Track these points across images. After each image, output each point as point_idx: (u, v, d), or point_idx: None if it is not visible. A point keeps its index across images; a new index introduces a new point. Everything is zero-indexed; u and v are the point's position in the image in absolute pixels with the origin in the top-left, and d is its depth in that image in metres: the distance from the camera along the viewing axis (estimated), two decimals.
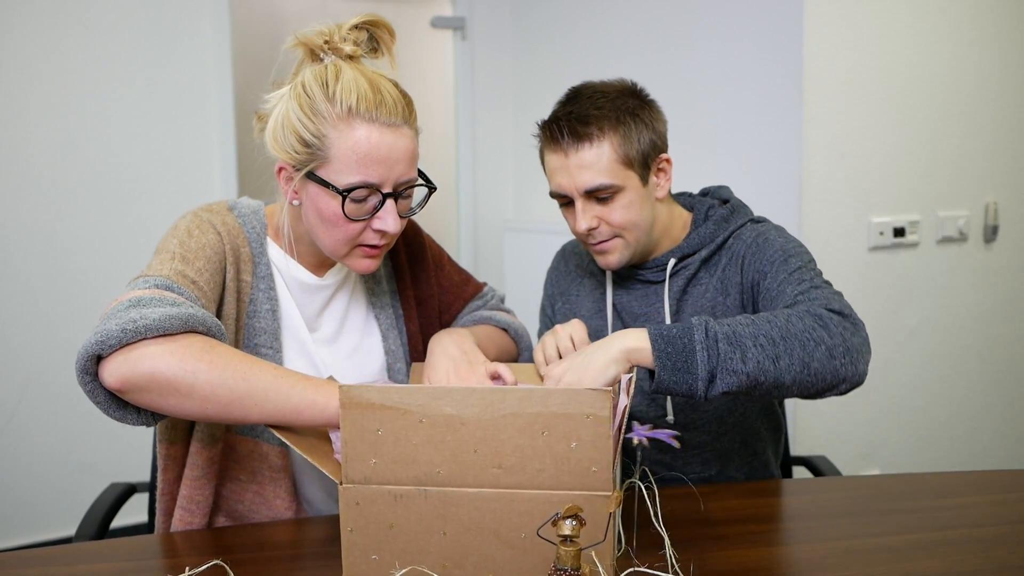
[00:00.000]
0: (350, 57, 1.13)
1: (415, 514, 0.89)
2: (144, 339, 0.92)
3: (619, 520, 0.95)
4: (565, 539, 0.73)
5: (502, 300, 1.49)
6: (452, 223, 3.68)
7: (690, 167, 2.56)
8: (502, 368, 1.19)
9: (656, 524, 0.92)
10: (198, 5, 2.94)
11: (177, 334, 0.95)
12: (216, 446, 1.14)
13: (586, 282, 1.50)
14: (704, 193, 1.47)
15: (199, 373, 0.93)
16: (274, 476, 1.17)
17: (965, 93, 2.58)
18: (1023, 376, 2.82)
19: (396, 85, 1.12)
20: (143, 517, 1.47)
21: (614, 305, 1.44)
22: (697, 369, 1.01)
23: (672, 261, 1.37)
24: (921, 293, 2.59)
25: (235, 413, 0.96)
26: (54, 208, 2.77)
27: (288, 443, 0.96)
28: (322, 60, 1.13)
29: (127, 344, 0.92)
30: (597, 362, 1.03)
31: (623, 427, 0.94)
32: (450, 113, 3.64)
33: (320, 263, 1.23)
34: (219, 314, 1.12)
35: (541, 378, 1.22)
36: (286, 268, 1.21)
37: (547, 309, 1.57)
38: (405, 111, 1.10)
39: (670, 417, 1.36)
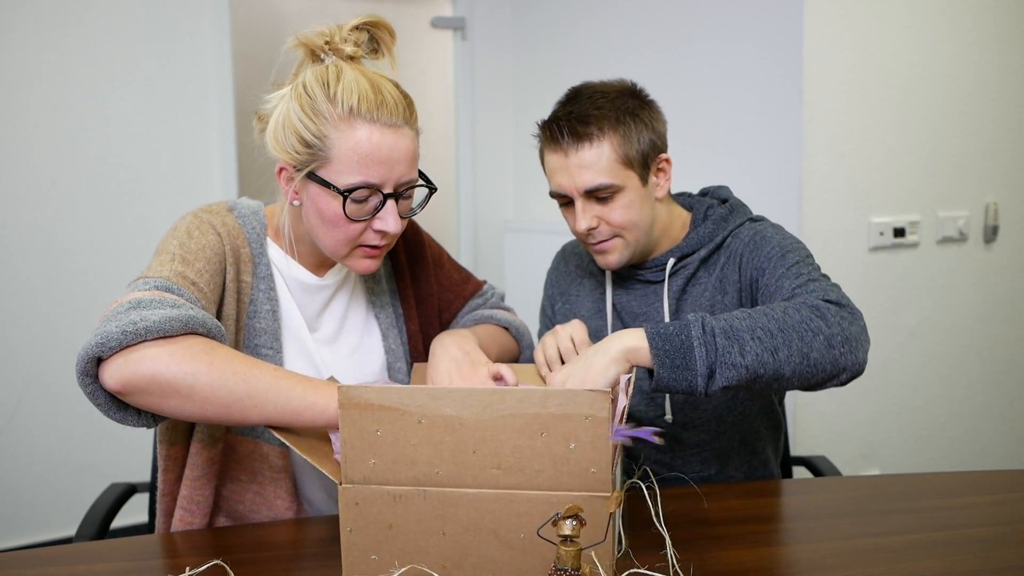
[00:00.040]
0: (351, 58, 1.13)
1: (414, 514, 0.89)
2: (144, 341, 0.92)
3: (620, 520, 0.95)
4: (565, 539, 0.73)
5: (502, 298, 1.49)
6: (452, 223, 3.68)
7: (690, 167, 2.56)
8: (504, 369, 1.19)
9: (657, 525, 0.92)
10: (198, 5, 2.94)
11: (177, 336, 0.95)
12: (216, 447, 1.15)
13: (586, 282, 1.50)
14: (703, 193, 1.47)
15: (199, 375, 0.93)
16: (274, 476, 1.17)
17: (965, 93, 2.58)
18: (1023, 376, 2.82)
19: (397, 86, 1.12)
20: (143, 517, 1.47)
21: (614, 305, 1.44)
22: (696, 365, 1.01)
23: (671, 261, 1.37)
24: (921, 293, 2.59)
25: (235, 415, 0.96)
26: (54, 208, 2.77)
27: (288, 444, 0.96)
28: (323, 61, 1.13)
29: (127, 346, 0.92)
30: (597, 364, 1.03)
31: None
32: (450, 113, 3.64)
33: (320, 263, 1.23)
34: (219, 315, 1.12)
35: (542, 379, 1.22)
36: (286, 268, 1.21)
37: (547, 309, 1.57)
38: (406, 112, 1.10)
39: (668, 416, 1.36)
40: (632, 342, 1.04)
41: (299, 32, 1.13)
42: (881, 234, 2.48)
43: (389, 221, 1.10)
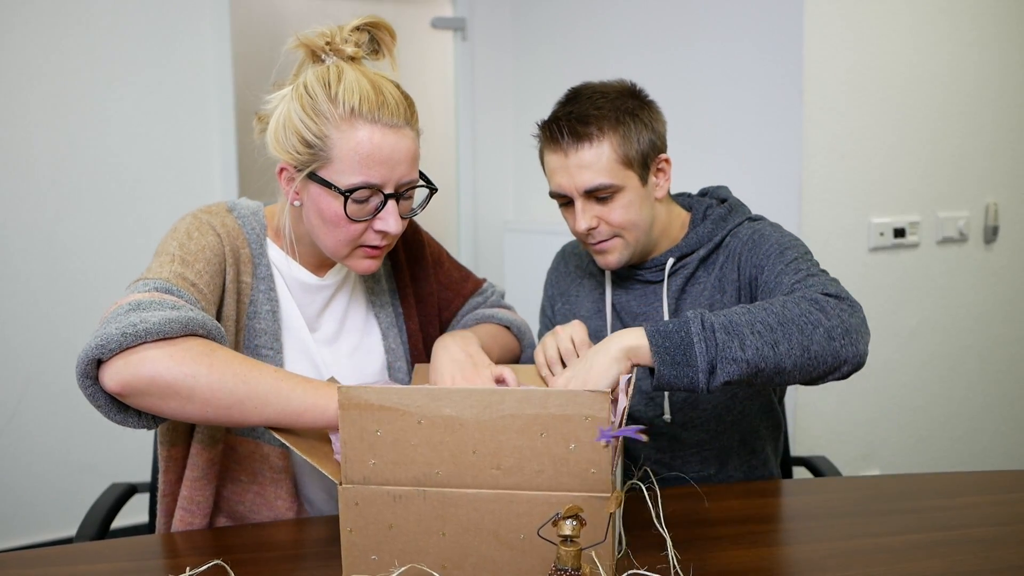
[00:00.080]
0: (351, 58, 1.13)
1: (414, 514, 0.89)
2: (144, 343, 0.92)
3: (620, 521, 0.95)
4: (565, 539, 0.73)
5: (502, 296, 1.48)
6: (452, 224, 3.68)
7: (690, 167, 2.56)
8: (506, 372, 1.19)
9: (658, 525, 0.92)
10: (198, 5, 2.94)
11: (177, 338, 0.95)
12: (216, 447, 1.15)
13: (585, 283, 1.50)
14: (703, 193, 1.47)
15: (199, 377, 0.93)
16: (275, 477, 1.17)
17: (965, 93, 2.58)
18: (1023, 376, 2.82)
19: (398, 86, 1.12)
20: (144, 517, 1.47)
21: (613, 305, 1.44)
22: (697, 361, 1.01)
23: (671, 261, 1.37)
24: (921, 294, 2.59)
25: (235, 416, 0.96)
26: (54, 208, 2.77)
27: (288, 444, 0.96)
28: (323, 61, 1.13)
29: (127, 348, 0.92)
30: (599, 364, 1.03)
31: (618, 428, 0.94)
32: (450, 113, 3.64)
33: (320, 263, 1.23)
34: (219, 316, 1.12)
35: (543, 380, 1.22)
36: (286, 269, 1.21)
37: (547, 310, 1.57)
38: (407, 112, 1.10)
39: (668, 416, 1.36)
40: (632, 341, 1.04)
41: (300, 33, 1.13)
42: (881, 234, 2.48)
43: (390, 221, 1.10)
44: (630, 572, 0.90)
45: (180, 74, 2.93)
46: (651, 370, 1.04)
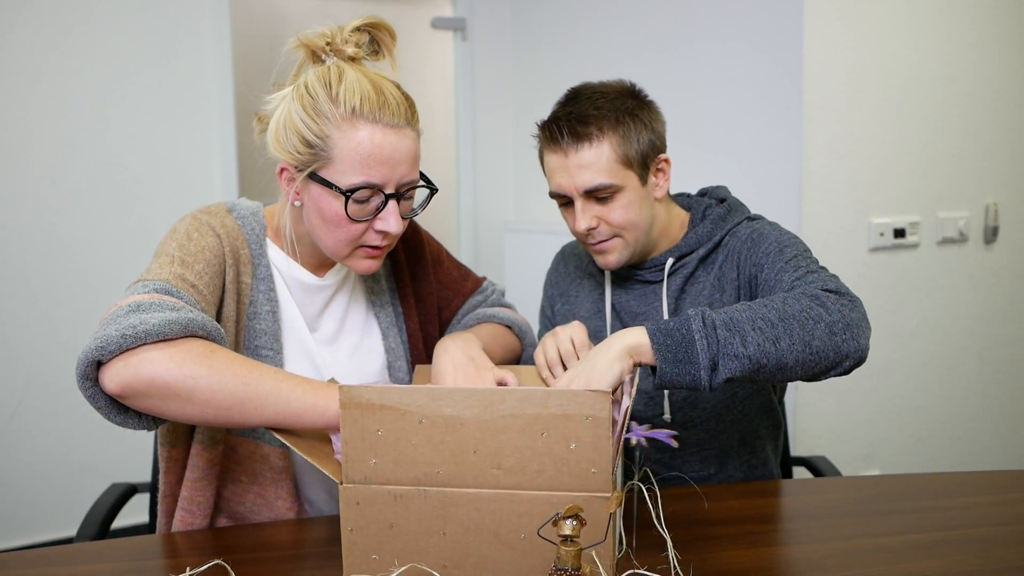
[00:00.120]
0: (352, 59, 1.13)
1: (415, 514, 0.90)
2: (144, 344, 0.92)
3: (620, 521, 0.95)
4: (566, 539, 0.73)
5: (502, 294, 1.48)
6: (452, 224, 3.68)
7: (690, 167, 2.56)
8: (508, 376, 1.18)
9: (658, 526, 0.92)
10: (198, 6, 2.94)
11: (177, 339, 0.95)
12: (217, 448, 1.15)
13: (585, 283, 1.50)
14: (702, 193, 1.47)
15: (199, 378, 0.93)
16: (275, 478, 1.17)
17: (965, 93, 2.59)
18: (1023, 377, 2.82)
19: (398, 87, 1.13)
20: (144, 518, 1.47)
21: (613, 305, 1.44)
22: (698, 358, 1.01)
23: (670, 260, 1.37)
24: (921, 294, 2.59)
25: (236, 417, 0.96)
26: (54, 208, 2.77)
27: (288, 444, 0.97)
28: (324, 62, 1.13)
29: (127, 349, 0.92)
30: (601, 363, 1.03)
31: (626, 428, 0.94)
32: (450, 114, 3.64)
33: (320, 263, 1.23)
34: (219, 317, 1.12)
35: (544, 381, 1.22)
36: (286, 269, 1.21)
37: (547, 310, 1.57)
38: (408, 113, 1.10)
39: (667, 416, 1.36)
40: (634, 339, 1.04)
41: (300, 33, 1.13)
42: (881, 235, 2.49)
43: (391, 221, 1.10)
44: (630, 572, 0.90)
45: (180, 74, 2.93)
46: (653, 369, 1.04)
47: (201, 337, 0.97)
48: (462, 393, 0.87)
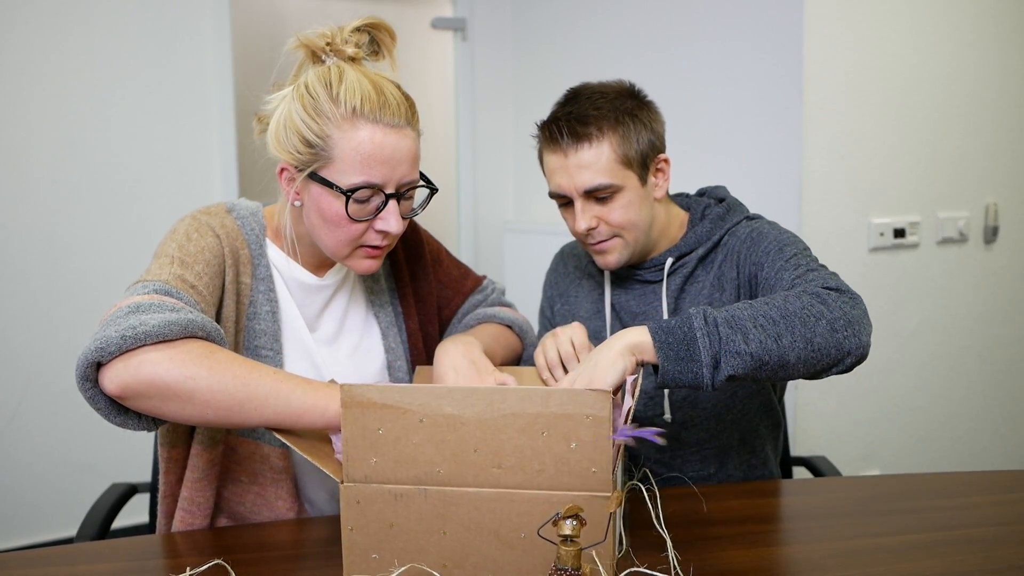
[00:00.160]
0: (352, 59, 1.14)
1: (415, 513, 0.90)
2: (144, 345, 0.92)
3: (620, 521, 0.95)
4: (566, 539, 0.73)
5: (503, 293, 1.48)
6: (452, 224, 3.68)
7: (690, 168, 2.56)
8: (509, 380, 1.18)
9: (658, 526, 0.92)
10: (199, 6, 2.94)
11: (177, 340, 0.95)
12: (217, 448, 1.15)
13: (584, 283, 1.50)
14: (700, 193, 1.48)
15: (199, 379, 0.93)
16: (275, 478, 1.17)
17: (965, 93, 2.59)
18: (1023, 377, 2.82)
19: (398, 87, 1.13)
20: (144, 518, 1.47)
21: (612, 305, 1.44)
22: (700, 356, 1.01)
23: (669, 260, 1.37)
24: (921, 294, 2.59)
25: (235, 418, 0.96)
26: (54, 208, 2.77)
27: (289, 444, 0.97)
28: (323, 62, 1.13)
29: (127, 351, 0.92)
30: (604, 360, 1.03)
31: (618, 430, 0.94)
32: (450, 114, 3.64)
33: (320, 263, 1.23)
34: (219, 317, 1.12)
35: (544, 382, 1.22)
36: (286, 269, 1.21)
37: (546, 311, 1.57)
38: (408, 113, 1.10)
39: (668, 415, 1.36)
40: (636, 337, 1.04)
41: (300, 33, 1.13)
42: (881, 235, 2.49)
43: (391, 221, 1.10)
44: (631, 570, 0.90)
45: (180, 74, 2.93)
46: (655, 368, 1.04)
47: (201, 338, 0.97)
48: (463, 392, 0.87)
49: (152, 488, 1.36)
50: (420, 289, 1.35)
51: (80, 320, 2.79)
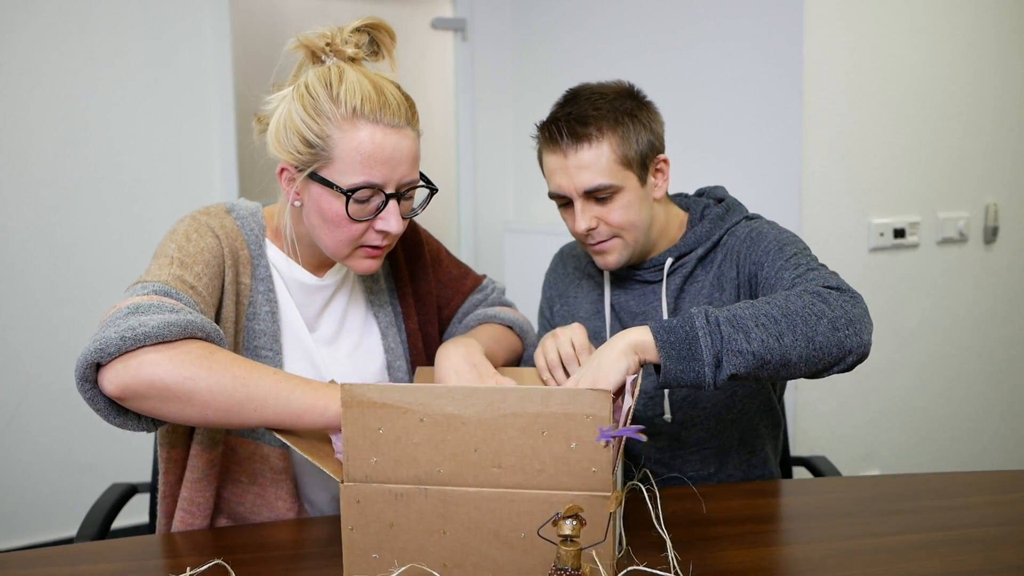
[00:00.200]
0: (351, 59, 1.14)
1: (415, 513, 0.90)
2: (143, 346, 0.92)
3: (620, 521, 0.95)
4: (565, 539, 0.73)
5: (503, 292, 1.48)
6: (452, 224, 3.68)
7: (690, 168, 2.56)
8: (510, 383, 1.18)
9: (658, 527, 0.92)
10: (199, 6, 2.94)
11: (176, 341, 0.95)
12: (216, 449, 1.15)
13: (584, 283, 1.50)
14: (699, 193, 1.48)
15: (198, 380, 0.93)
16: (275, 478, 1.17)
17: (965, 93, 2.59)
18: (1023, 377, 2.82)
19: (398, 87, 1.13)
20: (144, 518, 1.47)
21: (612, 305, 1.44)
22: (702, 355, 1.01)
23: (669, 260, 1.37)
24: (921, 294, 2.59)
25: (235, 419, 0.96)
26: (55, 208, 2.77)
27: (289, 444, 0.97)
28: (323, 62, 1.13)
29: (126, 352, 0.92)
30: (608, 359, 1.03)
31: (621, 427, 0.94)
32: (450, 114, 3.64)
33: (320, 264, 1.23)
34: (218, 318, 1.12)
35: (544, 382, 1.22)
36: (286, 269, 1.21)
37: (545, 311, 1.57)
38: (408, 113, 1.10)
39: (668, 415, 1.36)
40: (638, 336, 1.04)
41: (300, 33, 1.13)
42: (881, 235, 2.49)
43: (391, 221, 1.10)
44: (630, 569, 0.90)
45: (180, 74, 2.93)
46: (656, 368, 1.05)
47: (200, 339, 0.97)
48: (463, 392, 0.87)
49: (152, 488, 1.36)
50: (420, 289, 1.35)
51: (80, 320, 2.79)
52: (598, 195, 1.29)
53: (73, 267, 2.81)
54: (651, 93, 1.37)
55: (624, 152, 1.28)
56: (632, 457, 1.39)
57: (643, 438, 0.80)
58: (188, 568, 0.93)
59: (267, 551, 1.05)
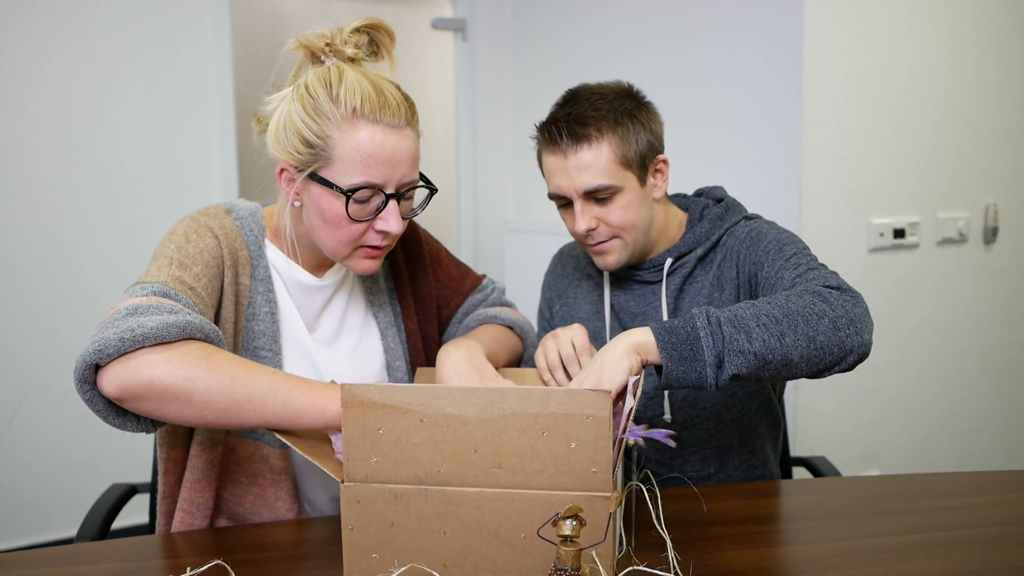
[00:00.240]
0: (351, 60, 1.14)
1: (415, 513, 0.90)
2: (142, 347, 0.92)
3: (620, 521, 0.96)
4: (565, 539, 0.73)
5: (503, 292, 1.48)
6: (452, 224, 3.68)
7: (690, 168, 2.56)
8: (511, 384, 1.18)
9: (658, 527, 0.92)
10: (199, 7, 2.94)
11: (175, 342, 0.94)
12: (216, 449, 1.15)
13: (583, 284, 1.50)
14: (699, 194, 1.48)
15: (197, 380, 0.93)
16: (275, 479, 1.17)
17: (965, 94, 2.59)
18: (1023, 377, 2.82)
19: (398, 87, 1.13)
20: (144, 518, 1.47)
21: (612, 306, 1.44)
22: (704, 355, 1.01)
23: (668, 261, 1.38)
24: (921, 294, 2.59)
25: (234, 419, 0.96)
26: (55, 209, 2.77)
27: (289, 444, 0.97)
28: (323, 62, 1.13)
29: (125, 353, 0.92)
30: (610, 360, 1.03)
31: (626, 429, 0.94)
32: (450, 114, 3.64)
33: (319, 264, 1.23)
34: (217, 318, 1.12)
35: (544, 383, 1.22)
36: (285, 270, 1.21)
37: (545, 312, 1.57)
38: (408, 113, 1.10)
39: (668, 416, 1.36)
40: (640, 337, 1.04)
41: (299, 34, 1.13)
42: (881, 235, 2.49)
43: (391, 222, 1.10)
44: (631, 569, 0.90)
45: (180, 75, 2.93)
46: (658, 370, 1.05)
47: (199, 339, 0.97)
48: (463, 392, 0.87)
49: (152, 488, 1.36)
50: (419, 289, 1.35)
51: (80, 320, 2.79)
52: (598, 195, 1.29)
53: (73, 267, 2.81)
54: (651, 93, 1.37)
55: (624, 152, 1.28)
56: (632, 457, 1.39)
57: (672, 444, 0.80)
58: (188, 568, 0.93)
59: (267, 551, 1.05)
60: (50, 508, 2.80)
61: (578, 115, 1.28)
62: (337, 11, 3.52)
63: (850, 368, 1.08)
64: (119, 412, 0.96)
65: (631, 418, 0.94)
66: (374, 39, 1.17)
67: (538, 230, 3.26)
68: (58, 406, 2.78)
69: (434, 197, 1.19)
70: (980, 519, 1.10)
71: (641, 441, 0.86)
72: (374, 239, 1.12)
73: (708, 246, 1.36)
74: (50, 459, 2.80)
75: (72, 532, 1.72)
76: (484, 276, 1.48)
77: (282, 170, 1.13)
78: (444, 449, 0.88)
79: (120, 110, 2.84)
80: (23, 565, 1.01)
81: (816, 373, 1.07)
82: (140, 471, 2.73)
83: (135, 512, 1.63)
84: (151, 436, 1.29)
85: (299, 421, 0.97)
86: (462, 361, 1.18)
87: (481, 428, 0.87)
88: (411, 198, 1.16)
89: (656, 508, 0.93)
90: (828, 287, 1.09)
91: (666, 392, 1.36)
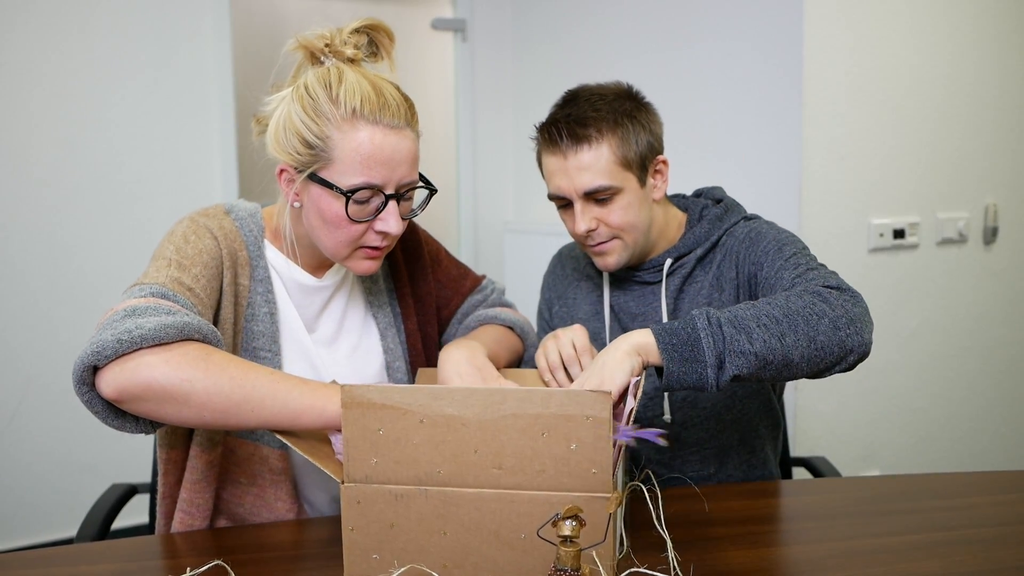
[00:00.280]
0: (350, 60, 1.14)
1: (416, 514, 0.90)
2: (140, 349, 0.92)
3: (620, 522, 0.95)
4: (565, 539, 0.73)
5: (502, 292, 1.48)
6: (452, 225, 3.68)
7: (690, 168, 2.56)
8: (513, 387, 1.18)
9: (658, 527, 0.92)
10: (199, 7, 2.94)
11: (173, 343, 0.94)
12: (215, 450, 1.15)
13: (583, 285, 1.50)
14: (698, 194, 1.48)
15: (195, 381, 0.93)
16: (275, 479, 1.17)
17: (965, 94, 2.59)
18: (1023, 377, 2.82)
19: (398, 88, 1.13)
20: (144, 518, 1.47)
21: (611, 306, 1.44)
22: (705, 356, 1.01)
23: (668, 261, 1.38)
24: (921, 295, 2.59)
25: (232, 420, 0.96)
26: (55, 209, 2.77)
27: (289, 444, 0.97)
28: (322, 63, 1.13)
29: (123, 354, 0.92)
30: (612, 361, 1.03)
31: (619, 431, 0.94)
32: (450, 115, 3.64)
33: (319, 264, 1.23)
34: (217, 319, 1.12)
35: (545, 383, 1.22)
36: (284, 270, 1.21)
37: (544, 313, 1.57)
38: (407, 114, 1.10)
39: (668, 416, 1.36)
40: (640, 338, 1.04)
41: (299, 34, 1.13)
42: (881, 235, 2.49)
43: (391, 222, 1.11)
44: (631, 570, 0.90)
45: (180, 75, 2.93)
46: (659, 371, 1.05)
47: (197, 341, 0.97)
48: (463, 393, 0.87)
49: (152, 489, 1.36)
50: (419, 289, 1.35)
51: (80, 320, 2.79)
52: (598, 196, 1.29)
53: (73, 267, 2.81)
54: (651, 93, 1.37)
55: (623, 153, 1.28)
56: (633, 458, 1.39)
57: (663, 442, 0.80)
58: (188, 569, 0.93)
59: (267, 552, 1.05)
60: (50, 508, 2.80)
61: (578, 116, 1.28)
62: (337, 11, 3.52)
63: (850, 368, 1.08)
64: (118, 413, 0.96)
65: (631, 419, 0.94)
66: (374, 40, 1.17)
67: (538, 230, 3.26)
68: (58, 406, 2.78)
69: (434, 197, 1.19)
70: (980, 519, 1.10)
71: (632, 442, 0.86)
72: (374, 240, 1.12)
73: (707, 247, 1.36)
74: (50, 459, 2.80)
75: (72, 532, 1.73)
76: (484, 276, 1.48)
77: (282, 171, 1.13)
78: (444, 450, 0.88)
79: (120, 110, 2.84)
80: (23, 565, 1.01)
81: (816, 373, 1.07)
82: (140, 471, 2.73)
83: (135, 512, 1.63)
84: (151, 437, 1.29)
85: (298, 421, 0.97)
86: (464, 362, 1.18)
87: (481, 429, 0.87)
88: (411, 199, 1.16)
89: (656, 508, 0.93)
90: (828, 287, 1.09)
91: (666, 392, 1.36)
